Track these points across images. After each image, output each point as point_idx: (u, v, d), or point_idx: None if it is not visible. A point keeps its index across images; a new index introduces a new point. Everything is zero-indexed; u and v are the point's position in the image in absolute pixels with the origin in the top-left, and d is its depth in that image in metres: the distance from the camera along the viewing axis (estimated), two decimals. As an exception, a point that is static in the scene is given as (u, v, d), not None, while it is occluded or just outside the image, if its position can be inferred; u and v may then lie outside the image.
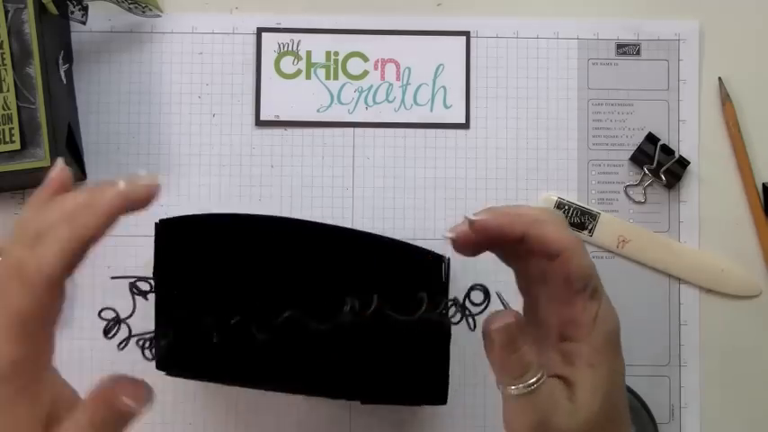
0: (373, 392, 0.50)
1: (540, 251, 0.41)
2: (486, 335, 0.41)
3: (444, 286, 0.52)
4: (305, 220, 0.50)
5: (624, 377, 0.42)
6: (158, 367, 0.49)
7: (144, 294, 0.50)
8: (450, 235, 0.42)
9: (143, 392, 0.36)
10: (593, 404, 0.40)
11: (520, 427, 0.41)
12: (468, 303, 0.45)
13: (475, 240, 0.42)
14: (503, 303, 0.51)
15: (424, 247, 0.52)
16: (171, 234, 0.49)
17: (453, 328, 0.49)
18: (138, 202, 0.36)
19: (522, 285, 0.44)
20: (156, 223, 0.49)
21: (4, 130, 0.53)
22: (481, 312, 0.44)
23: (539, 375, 0.40)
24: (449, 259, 0.54)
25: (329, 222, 0.60)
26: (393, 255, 0.50)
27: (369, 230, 0.59)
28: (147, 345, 0.50)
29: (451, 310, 0.47)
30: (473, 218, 0.41)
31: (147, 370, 0.45)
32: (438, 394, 0.51)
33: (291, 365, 0.48)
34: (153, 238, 0.49)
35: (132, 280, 0.50)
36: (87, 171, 0.60)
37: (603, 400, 0.40)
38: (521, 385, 0.40)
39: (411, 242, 0.52)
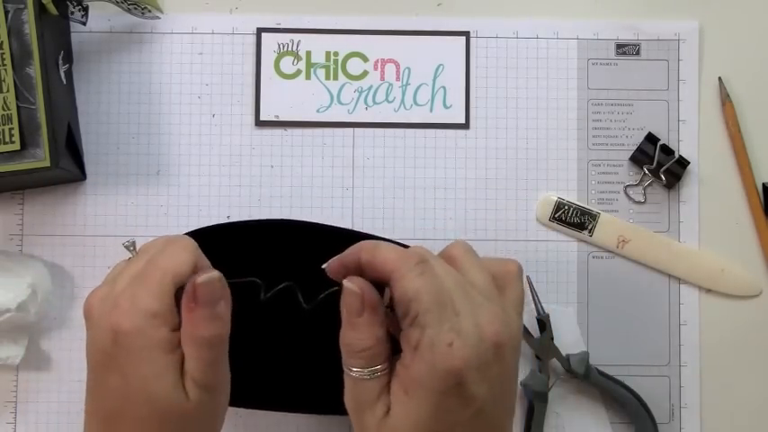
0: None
1: (375, 278, 0.41)
2: (342, 300, 0.42)
3: None
4: (296, 220, 0.51)
5: (472, 420, 0.39)
6: None
7: None
8: (324, 266, 0.44)
9: (209, 270, 0.42)
10: (401, 429, 0.39)
11: (346, 402, 0.43)
12: None
13: (344, 274, 0.43)
14: (533, 295, 0.51)
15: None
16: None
17: None
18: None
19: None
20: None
21: (3, 130, 0.53)
22: None
23: (374, 367, 0.40)
24: None
25: (329, 222, 0.60)
26: None
27: (368, 230, 0.59)
28: None
29: None
30: (325, 265, 0.43)
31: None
32: None
33: (295, 386, 0.48)
34: None
35: None
36: (87, 171, 0.60)
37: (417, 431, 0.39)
38: (353, 368, 0.41)
39: (411, 241, 0.52)
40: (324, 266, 0.44)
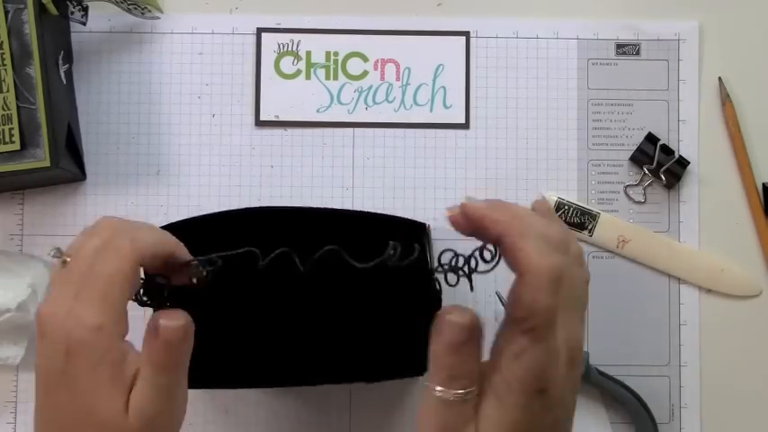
0: (376, 370, 0.50)
1: (510, 263, 0.39)
2: (438, 323, 0.39)
3: (423, 251, 0.52)
4: (284, 206, 0.50)
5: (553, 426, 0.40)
6: None
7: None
8: (449, 213, 0.42)
9: (178, 314, 0.40)
10: None
11: (425, 428, 0.40)
12: (477, 258, 0.44)
13: (465, 225, 0.41)
14: (501, 303, 0.51)
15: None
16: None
17: (454, 293, 0.48)
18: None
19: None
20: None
21: (3, 130, 0.53)
22: (491, 269, 0.42)
23: (470, 389, 0.38)
24: (429, 225, 0.54)
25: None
26: (372, 226, 0.50)
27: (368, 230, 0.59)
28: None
29: (450, 276, 0.46)
30: (465, 201, 0.41)
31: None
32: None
33: (294, 358, 0.48)
34: None
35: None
36: (87, 171, 0.60)
37: None
38: (450, 391, 0.38)
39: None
40: (447, 213, 0.41)
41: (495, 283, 0.43)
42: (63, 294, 0.39)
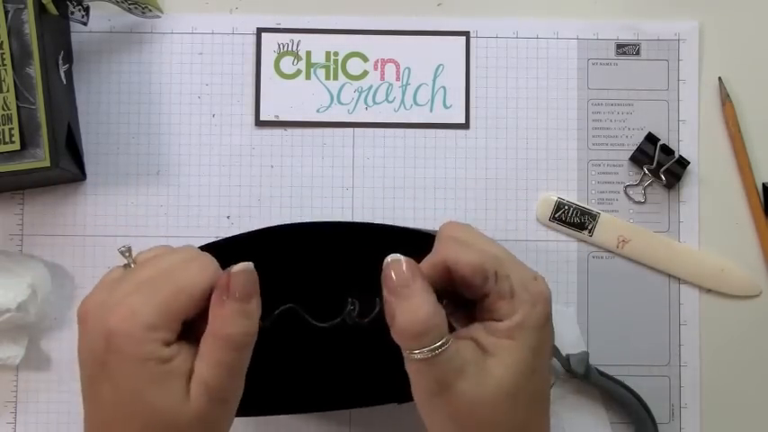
0: (406, 391, 0.50)
1: (455, 277, 0.41)
2: (383, 276, 0.40)
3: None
4: (295, 223, 0.50)
5: (549, 365, 0.42)
6: None
7: None
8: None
9: (246, 265, 0.40)
10: (505, 376, 0.39)
11: (420, 390, 0.40)
12: None
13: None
14: None
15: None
16: None
17: None
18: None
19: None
20: None
21: (3, 130, 0.53)
22: None
23: (443, 341, 0.39)
24: None
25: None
26: (389, 241, 0.50)
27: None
28: None
29: None
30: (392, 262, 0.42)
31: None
32: None
33: (327, 383, 0.48)
34: None
35: None
36: (87, 171, 0.60)
37: (521, 377, 0.39)
38: (425, 349, 0.39)
39: None
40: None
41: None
42: (115, 291, 0.40)
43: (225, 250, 0.48)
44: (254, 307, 0.40)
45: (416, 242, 0.50)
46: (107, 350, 0.38)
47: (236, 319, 0.39)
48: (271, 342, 0.46)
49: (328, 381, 0.48)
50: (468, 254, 0.41)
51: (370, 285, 0.44)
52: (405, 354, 0.40)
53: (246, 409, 0.47)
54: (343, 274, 0.47)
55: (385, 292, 0.40)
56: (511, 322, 0.40)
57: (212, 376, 0.39)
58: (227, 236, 0.52)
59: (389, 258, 0.41)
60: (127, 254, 0.42)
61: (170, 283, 0.39)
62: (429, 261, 0.42)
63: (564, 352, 0.59)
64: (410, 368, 0.40)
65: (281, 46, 0.62)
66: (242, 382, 0.41)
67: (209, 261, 0.41)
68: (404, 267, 0.40)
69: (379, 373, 0.48)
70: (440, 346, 0.39)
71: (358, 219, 0.61)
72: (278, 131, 0.61)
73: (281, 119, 0.61)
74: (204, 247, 0.49)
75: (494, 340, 0.40)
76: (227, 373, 0.39)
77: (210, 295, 0.40)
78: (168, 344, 0.39)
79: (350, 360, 0.47)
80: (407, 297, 0.39)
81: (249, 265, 0.40)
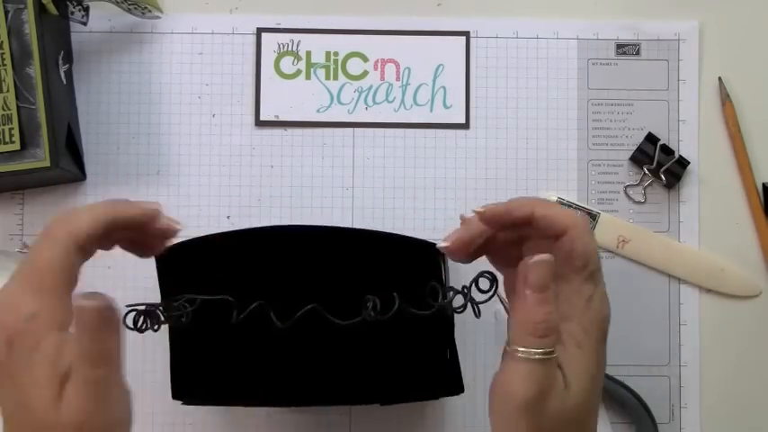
0: (390, 392, 0.49)
1: (547, 229, 0.41)
2: (522, 273, 0.40)
3: (439, 274, 0.52)
4: (294, 225, 0.50)
5: (604, 374, 0.43)
6: (174, 397, 0.50)
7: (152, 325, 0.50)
8: (443, 245, 0.44)
9: (96, 295, 0.37)
10: (583, 388, 0.40)
11: (521, 394, 0.39)
12: (474, 290, 0.44)
13: (469, 244, 0.43)
14: (503, 305, 0.51)
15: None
16: (171, 263, 0.49)
17: (462, 318, 0.48)
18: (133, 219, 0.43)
19: (511, 287, 0.44)
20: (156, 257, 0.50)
21: (3, 130, 0.53)
22: (488, 300, 0.44)
23: (553, 348, 0.39)
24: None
25: (328, 223, 0.60)
26: (387, 248, 0.50)
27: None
28: (140, 319, 0.49)
29: (457, 299, 0.47)
30: (481, 209, 0.43)
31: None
32: (453, 384, 0.51)
33: (305, 378, 0.47)
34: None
35: (143, 307, 0.50)
36: (87, 171, 0.60)
37: (592, 385, 0.40)
38: (539, 350, 0.38)
39: None
40: (480, 209, 0.43)
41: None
42: (7, 286, 0.39)
43: (214, 248, 0.49)
44: (112, 339, 0.38)
45: (403, 249, 0.50)
46: (7, 350, 0.38)
47: (91, 339, 0.37)
48: (255, 337, 0.46)
49: (313, 377, 0.48)
50: (591, 238, 0.42)
51: (360, 289, 0.45)
52: (515, 353, 0.39)
53: (230, 399, 0.48)
54: (325, 279, 0.47)
55: (524, 286, 0.40)
56: (580, 328, 0.41)
57: (73, 392, 0.37)
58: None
59: (539, 258, 0.40)
60: (25, 251, 0.43)
61: (31, 267, 0.39)
62: (511, 206, 0.42)
63: (564, 352, 0.59)
64: (518, 369, 0.39)
65: (281, 46, 0.62)
66: (111, 405, 0.38)
67: (56, 231, 0.40)
68: (550, 270, 0.40)
69: (365, 373, 0.48)
70: (551, 352, 0.39)
71: (358, 218, 0.61)
72: (278, 131, 0.61)
73: (281, 119, 0.61)
74: (186, 245, 0.49)
75: (561, 349, 0.40)
76: (91, 391, 0.37)
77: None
78: (61, 325, 0.38)
79: (335, 356, 0.48)
80: (545, 299, 0.40)
81: (94, 302, 0.37)
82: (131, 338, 0.44)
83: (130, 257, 0.61)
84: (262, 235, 0.48)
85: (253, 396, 0.48)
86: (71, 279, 0.40)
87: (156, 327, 0.47)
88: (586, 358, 0.41)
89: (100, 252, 0.43)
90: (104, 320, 0.37)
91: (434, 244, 0.52)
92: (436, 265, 0.51)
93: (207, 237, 0.49)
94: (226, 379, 0.48)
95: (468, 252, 0.44)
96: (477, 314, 0.46)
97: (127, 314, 0.47)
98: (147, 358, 0.59)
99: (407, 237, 0.51)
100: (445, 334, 0.50)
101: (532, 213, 0.42)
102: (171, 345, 0.51)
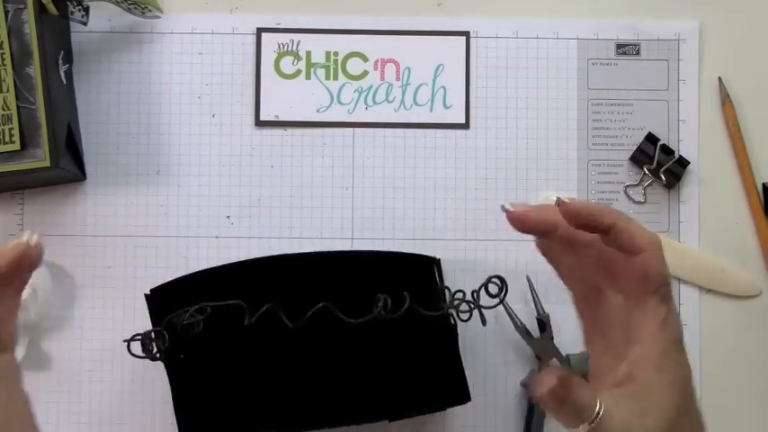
0: (398, 407, 0.49)
1: (624, 245, 0.41)
2: (537, 400, 0.41)
3: (435, 285, 0.52)
4: (285, 254, 0.51)
5: (692, 381, 0.43)
6: None
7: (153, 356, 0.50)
8: (508, 206, 0.43)
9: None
10: (670, 407, 0.41)
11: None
12: (484, 294, 0.44)
13: (528, 221, 0.43)
14: (532, 290, 0.51)
15: (424, 247, 0.52)
16: (161, 305, 0.50)
17: (464, 325, 0.49)
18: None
19: (567, 276, 0.45)
20: (145, 294, 0.50)
21: (3, 130, 0.53)
22: (496, 306, 0.44)
23: (597, 408, 0.39)
24: (439, 260, 0.54)
25: (328, 224, 0.60)
26: (382, 265, 0.50)
27: (369, 230, 0.60)
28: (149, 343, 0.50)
29: (462, 306, 0.47)
30: (566, 199, 0.43)
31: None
32: (460, 394, 0.51)
33: (312, 401, 0.47)
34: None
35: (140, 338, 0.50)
36: (87, 171, 0.60)
37: (680, 403, 0.41)
38: (585, 424, 0.39)
39: (411, 241, 0.52)
40: (566, 199, 0.43)
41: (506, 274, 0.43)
42: None
43: (216, 281, 0.49)
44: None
45: (397, 267, 0.50)
46: None
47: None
48: (260, 357, 0.46)
49: (320, 398, 0.48)
50: (664, 262, 0.42)
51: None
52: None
53: (236, 428, 0.47)
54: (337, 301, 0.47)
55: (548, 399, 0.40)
56: (657, 352, 0.41)
57: None
58: (227, 235, 0.52)
59: (538, 392, 0.40)
60: None
61: None
62: (595, 210, 0.42)
63: (564, 352, 0.59)
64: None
65: (281, 46, 0.62)
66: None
67: None
68: (555, 397, 0.40)
69: (372, 390, 0.47)
70: (596, 416, 0.39)
71: (358, 218, 0.61)
72: (278, 131, 0.61)
73: (281, 119, 0.61)
74: (186, 279, 0.49)
75: (641, 373, 0.41)
76: None
77: None
78: None
79: (342, 376, 0.48)
80: (563, 407, 0.40)
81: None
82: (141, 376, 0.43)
83: (131, 256, 0.61)
84: (254, 266, 0.49)
85: (263, 424, 0.48)
86: None
87: (164, 346, 0.48)
88: (668, 380, 0.41)
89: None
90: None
91: (432, 258, 0.53)
92: (432, 280, 0.51)
93: (191, 275, 0.50)
94: (231, 409, 0.47)
95: (523, 225, 0.44)
96: (484, 322, 0.47)
97: (130, 342, 0.48)
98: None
99: (402, 253, 0.51)
100: (449, 344, 0.50)
101: (614, 224, 0.42)
102: (171, 384, 0.51)
